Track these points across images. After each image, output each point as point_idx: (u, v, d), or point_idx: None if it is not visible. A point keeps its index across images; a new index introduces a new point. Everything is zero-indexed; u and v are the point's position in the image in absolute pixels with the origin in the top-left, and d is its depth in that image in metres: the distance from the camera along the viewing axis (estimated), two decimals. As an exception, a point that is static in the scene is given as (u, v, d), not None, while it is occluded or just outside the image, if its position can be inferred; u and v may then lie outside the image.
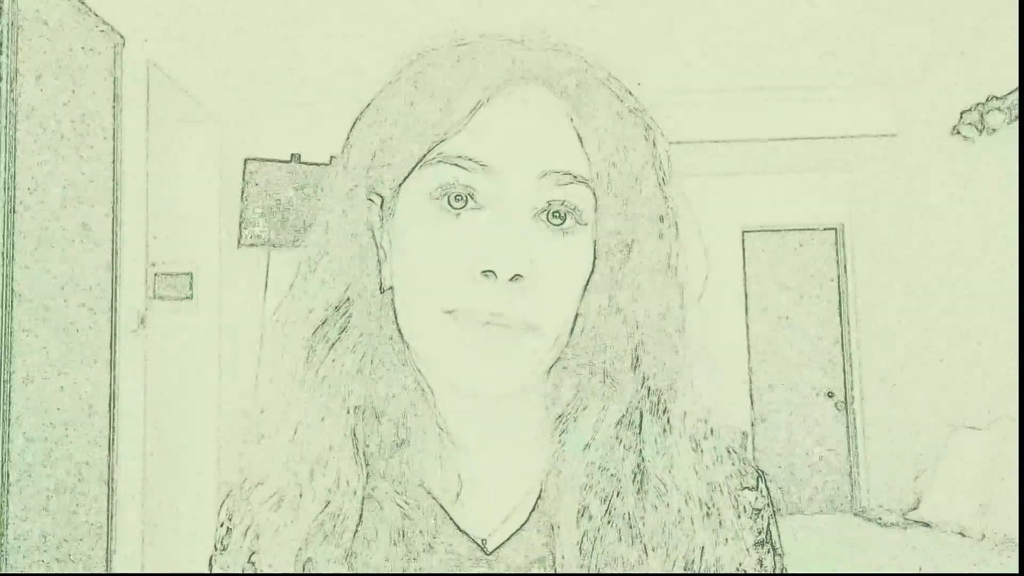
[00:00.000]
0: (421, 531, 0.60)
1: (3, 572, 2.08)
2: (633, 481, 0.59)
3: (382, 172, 0.60)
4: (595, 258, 0.60)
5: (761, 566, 0.61)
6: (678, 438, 0.60)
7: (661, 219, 0.61)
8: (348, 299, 0.61)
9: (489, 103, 0.57)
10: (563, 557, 0.58)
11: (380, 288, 0.61)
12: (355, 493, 0.59)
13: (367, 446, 0.61)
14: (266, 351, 0.63)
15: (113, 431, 2.58)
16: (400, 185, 0.60)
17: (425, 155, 0.58)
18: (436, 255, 0.57)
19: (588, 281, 0.60)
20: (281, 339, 0.62)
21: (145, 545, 2.82)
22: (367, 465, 0.60)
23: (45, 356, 2.26)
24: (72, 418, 2.37)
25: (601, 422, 0.60)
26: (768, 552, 0.62)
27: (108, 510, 2.53)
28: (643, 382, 0.60)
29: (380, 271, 0.62)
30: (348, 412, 0.60)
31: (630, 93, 0.62)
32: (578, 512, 0.58)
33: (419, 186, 0.58)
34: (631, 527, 0.58)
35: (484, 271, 0.55)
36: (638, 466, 0.59)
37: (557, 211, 0.57)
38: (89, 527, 2.43)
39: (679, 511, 0.59)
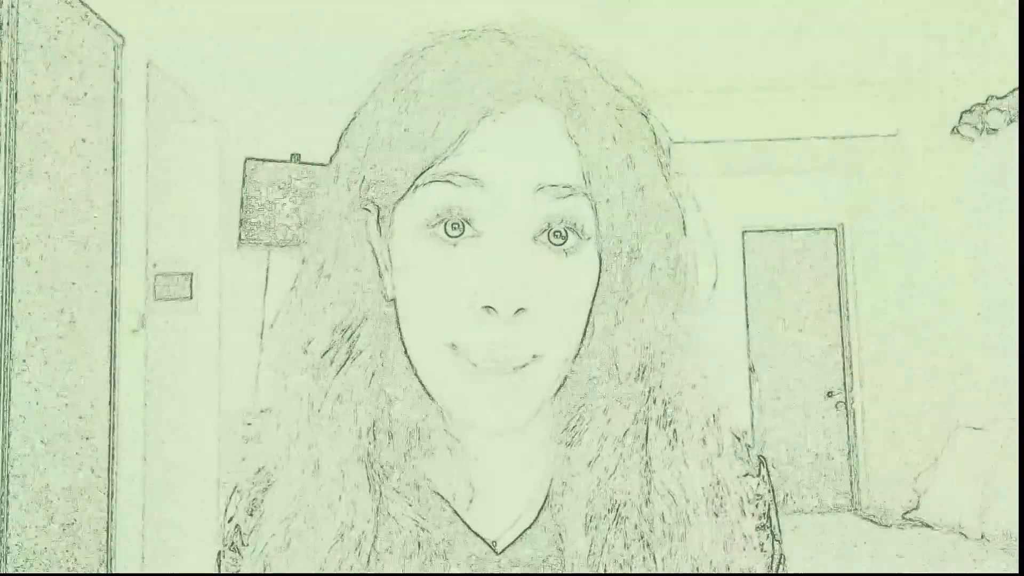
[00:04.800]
0: (436, 542, 0.59)
1: (3, 572, 2.07)
2: (640, 492, 0.59)
3: (375, 190, 0.59)
4: (600, 270, 0.59)
5: (761, 550, 0.61)
6: (685, 447, 0.59)
7: (668, 222, 0.59)
8: (353, 320, 0.60)
9: (479, 125, 0.56)
10: (572, 567, 0.58)
11: (384, 297, 0.60)
12: (369, 518, 0.58)
13: (380, 465, 0.60)
14: (268, 377, 0.62)
15: (113, 431, 2.57)
16: (396, 204, 0.58)
17: (417, 178, 0.56)
18: (436, 288, 0.56)
19: (595, 295, 0.59)
20: (285, 365, 0.61)
21: (145, 545, 2.82)
22: (380, 483, 0.60)
23: (45, 356, 2.26)
24: (72, 418, 2.37)
25: (607, 436, 0.59)
26: (768, 537, 0.62)
27: (108, 510, 2.52)
28: (649, 392, 0.59)
29: (382, 282, 0.61)
30: (360, 436, 0.59)
31: (635, 82, 0.60)
32: (586, 523, 0.58)
33: (414, 211, 0.57)
34: (639, 538, 0.58)
35: (486, 307, 0.54)
36: (645, 477, 0.59)
37: (558, 231, 0.56)
38: (89, 527, 2.43)
39: (687, 520, 0.58)
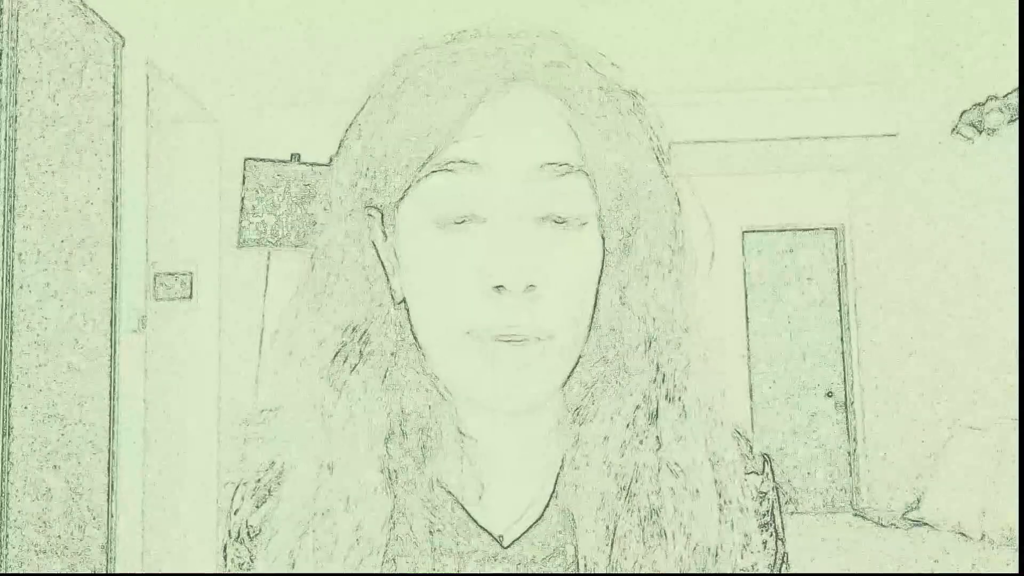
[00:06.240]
0: (449, 542, 0.60)
1: (3, 572, 2.08)
2: (651, 467, 0.59)
3: (378, 190, 0.60)
4: (604, 249, 0.59)
5: (765, 548, 0.61)
6: (694, 421, 0.60)
7: (663, 198, 0.60)
8: (362, 321, 0.61)
9: (474, 112, 0.57)
10: (585, 547, 0.58)
11: (393, 300, 0.61)
12: (385, 519, 0.59)
13: (392, 464, 0.61)
14: (275, 382, 0.62)
15: (113, 431, 2.58)
16: (399, 202, 0.59)
17: (419, 171, 0.57)
18: (445, 275, 0.57)
19: (600, 274, 0.59)
20: (294, 369, 0.61)
21: (145, 545, 2.82)
22: (393, 483, 0.60)
23: (45, 356, 2.26)
24: (72, 418, 2.37)
25: (618, 413, 0.60)
26: (772, 535, 0.62)
27: (108, 510, 2.53)
28: (657, 368, 0.60)
29: (390, 284, 0.61)
30: (374, 437, 0.60)
31: (617, 67, 0.61)
32: (599, 502, 0.59)
33: (417, 205, 0.58)
34: (650, 514, 0.58)
35: (496, 287, 0.55)
36: (655, 453, 0.59)
37: (560, 211, 0.57)
38: (89, 527, 2.43)
39: (697, 493, 0.59)
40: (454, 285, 0.56)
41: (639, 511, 0.58)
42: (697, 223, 0.62)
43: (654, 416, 0.60)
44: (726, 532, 0.59)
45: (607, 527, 0.58)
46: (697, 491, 0.59)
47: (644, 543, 0.58)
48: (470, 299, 0.56)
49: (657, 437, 0.60)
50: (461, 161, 0.56)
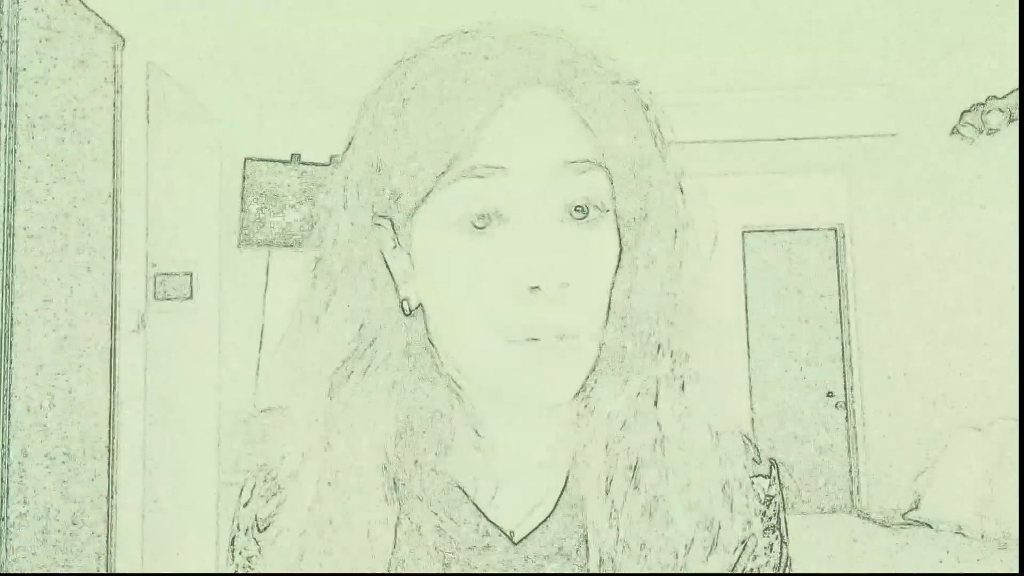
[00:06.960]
0: (460, 538, 0.60)
1: (3, 572, 2.08)
2: (654, 450, 0.60)
3: (389, 199, 0.59)
4: (620, 243, 0.60)
5: (771, 550, 0.62)
6: (697, 404, 0.61)
7: (668, 183, 0.61)
8: (369, 328, 0.61)
9: (494, 116, 0.57)
10: (594, 530, 0.59)
11: (403, 309, 0.61)
12: (389, 526, 0.59)
13: (399, 467, 0.61)
14: (282, 388, 0.62)
15: (113, 431, 2.58)
16: (414, 211, 0.59)
17: (439, 178, 0.57)
18: (473, 278, 0.57)
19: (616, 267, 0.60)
20: (301, 375, 0.61)
21: (145, 545, 2.82)
22: (399, 491, 0.60)
23: (45, 356, 2.26)
24: (72, 418, 2.37)
25: (620, 395, 0.60)
26: (777, 539, 0.63)
27: (108, 510, 2.53)
28: (659, 349, 0.61)
29: (398, 292, 0.61)
30: (379, 445, 0.60)
31: (613, 59, 0.62)
32: (605, 483, 0.59)
33: (440, 212, 0.58)
34: (655, 496, 0.59)
35: (532, 287, 0.55)
36: (658, 435, 0.60)
37: (580, 206, 0.57)
38: (89, 527, 2.43)
39: (699, 477, 0.60)
40: (484, 288, 0.57)
41: (644, 494, 0.59)
42: (699, 208, 0.63)
43: (656, 399, 0.61)
44: (727, 516, 0.60)
45: (613, 509, 0.59)
46: (699, 475, 0.60)
47: (648, 526, 0.59)
48: (502, 301, 0.56)
49: (659, 421, 0.60)
50: (487, 166, 0.56)
